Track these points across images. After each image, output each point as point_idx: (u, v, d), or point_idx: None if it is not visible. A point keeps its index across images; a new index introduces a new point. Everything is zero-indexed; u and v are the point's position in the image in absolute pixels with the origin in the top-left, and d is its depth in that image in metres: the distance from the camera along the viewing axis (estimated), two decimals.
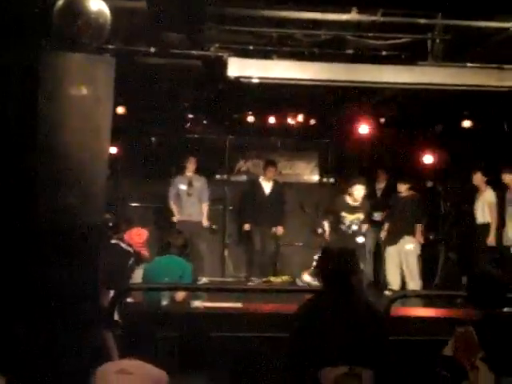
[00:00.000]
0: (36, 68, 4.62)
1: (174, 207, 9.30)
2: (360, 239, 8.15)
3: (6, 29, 4.58)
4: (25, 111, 4.67)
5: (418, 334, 5.83)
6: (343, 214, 8.13)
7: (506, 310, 3.59)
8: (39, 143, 4.68)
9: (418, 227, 9.04)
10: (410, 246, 8.95)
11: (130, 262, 5.77)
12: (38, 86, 4.62)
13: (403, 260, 8.89)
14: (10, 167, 4.66)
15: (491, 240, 8.02)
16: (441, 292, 8.27)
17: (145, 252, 6.05)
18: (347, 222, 8.11)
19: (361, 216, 8.19)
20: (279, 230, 9.44)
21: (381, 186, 9.85)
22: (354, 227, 8.13)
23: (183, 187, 9.30)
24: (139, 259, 6.84)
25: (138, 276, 6.79)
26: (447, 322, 5.55)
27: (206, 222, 9.39)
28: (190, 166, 9.31)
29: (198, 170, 9.45)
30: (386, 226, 9.21)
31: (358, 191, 8.17)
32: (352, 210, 8.15)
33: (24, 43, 4.65)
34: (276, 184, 9.62)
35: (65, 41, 4.69)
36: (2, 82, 4.57)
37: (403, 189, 9.11)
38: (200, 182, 9.39)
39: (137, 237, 6.03)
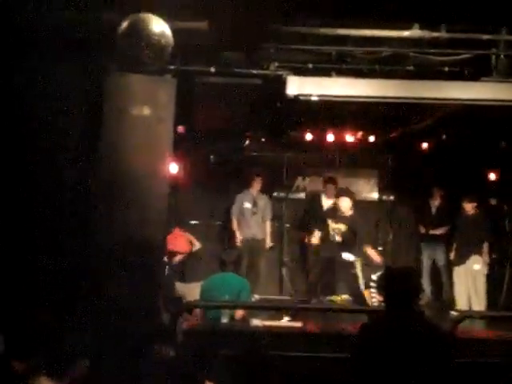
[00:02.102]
0: (101, 89, 4.73)
1: (235, 224, 9.33)
2: (346, 256, 8.11)
3: (73, 51, 4.72)
4: (89, 131, 4.80)
5: (484, 356, 5.63)
6: (329, 221, 8.26)
7: None
8: (102, 161, 4.79)
9: (485, 246, 8.87)
10: (477, 266, 8.77)
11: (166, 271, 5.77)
12: (102, 106, 4.74)
13: (471, 280, 8.70)
14: (74, 185, 4.78)
15: None
16: (507, 313, 7.96)
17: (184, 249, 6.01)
18: (331, 231, 8.22)
19: (342, 227, 8.19)
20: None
21: (435, 202, 9.65)
22: (337, 238, 8.16)
23: (248, 205, 9.33)
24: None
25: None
26: None
27: (269, 242, 9.43)
28: (256, 185, 9.34)
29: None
30: (454, 245, 9.04)
31: (345, 203, 8.22)
32: (335, 219, 8.24)
33: (90, 65, 4.79)
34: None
35: (128, 62, 4.80)
36: (69, 102, 4.71)
37: (469, 207, 8.95)
38: (264, 201, 9.42)
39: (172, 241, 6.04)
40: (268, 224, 9.44)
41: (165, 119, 4.99)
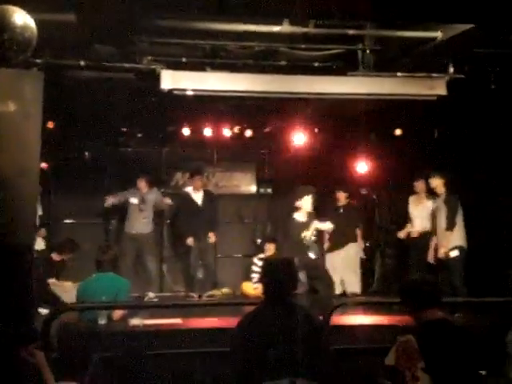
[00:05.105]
0: None
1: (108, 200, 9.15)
2: (312, 255, 7.51)
3: None
4: None
5: (360, 343, 5.86)
6: (303, 235, 7.32)
7: (443, 316, 3.62)
8: None
9: (358, 233, 9.36)
10: (353, 251, 9.20)
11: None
12: None
13: (347, 265, 9.07)
14: None
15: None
16: (381, 299, 8.33)
17: None
18: (309, 240, 7.41)
19: (317, 224, 7.53)
20: (211, 237, 9.32)
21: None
22: (314, 238, 7.56)
23: (134, 201, 9.15)
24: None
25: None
26: (389, 329, 5.59)
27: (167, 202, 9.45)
28: (141, 185, 9.18)
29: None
30: (327, 235, 9.33)
31: (307, 203, 7.45)
32: (305, 226, 7.41)
33: None
34: (206, 193, 9.56)
35: None
36: None
37: (342, 198, 9.30)
38: (153, 195, 9.29)
39: None
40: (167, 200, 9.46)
41: (32, 115, 4.76)
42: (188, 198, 9.46)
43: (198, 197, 9.44)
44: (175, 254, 10.22)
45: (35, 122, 4.79)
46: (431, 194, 8.11)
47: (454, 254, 7.43)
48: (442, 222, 7.60)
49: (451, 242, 7.45)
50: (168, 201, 9.47)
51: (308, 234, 7.38)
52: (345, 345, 5.50)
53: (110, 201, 9.07)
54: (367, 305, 7.94)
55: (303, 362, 3.54)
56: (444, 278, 7.33)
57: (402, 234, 8.43)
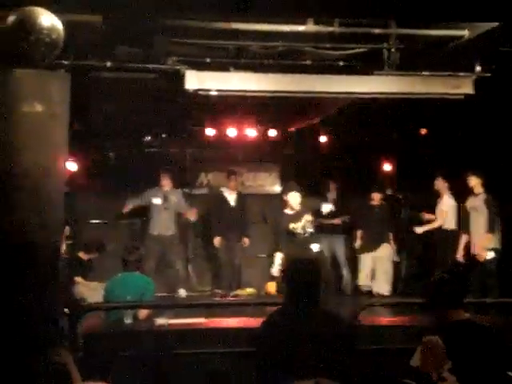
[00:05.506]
0: None
1: (127, 207, 9.19)
2: (314, 246, 7.98)
3: None
4: None
5: (385, 343, 5.81)
6: (291, 226, 8.00)
7: (469, 317, 3.58)
8: None
9: (391, 235, 9.32)
10: (385, 253, 9.15)
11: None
12: None
13: (379, 267, 9.00)
14: None
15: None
16: (406, 300, 8.26)
17: None
18: (300, 231, 7.97)
19: (308, 217, 8.06)
20: (246, 241, 9.38)
21: (332, 196, 9.85)
22: (309, 230, 8.00)
23: (157, 201, 9.17)
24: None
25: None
26: (414, 330, 5.54)
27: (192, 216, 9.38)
28: (165, 182, 9.20)
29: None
30: (359, 233, 9.27)
31: (294, 198, 8.10)
32: (296, 217, 8.03)
33: None
34: (239, 194, 9.60)
35: (17, 57, 4.59)
36: None
37: (377, 198, 9.26)
38: (176, 196, 9.29)
39: None
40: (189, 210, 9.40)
41: (59, 115, 4.79)
42: (220, 198, 9.51)
43: (231, 197, 9.48)
44: (201, 254, 10.25)
45: (62, 122, 4.82)
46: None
47: (491, 255, 7.39)
48: (480, 222, 7.53)
49: (489, 244, 7.40)
50: (193, 215, 9.43)
51: (299, 226, 7.81)
52: (370, 345, 5.46)
53: (128, 207, 9.12)
54: (393, 305, 7.88)
55: (328, 362, 3.52)
56: (475, 278, 7.27)
57: (419, 230, 8.39)
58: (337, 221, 9.52)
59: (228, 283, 9.27)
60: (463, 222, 7.95)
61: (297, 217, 8.01)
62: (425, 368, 3.34)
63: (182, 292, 8.84)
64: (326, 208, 9.38)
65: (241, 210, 9.50)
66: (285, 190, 8.33)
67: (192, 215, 9.37)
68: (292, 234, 7.98)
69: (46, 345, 3.97)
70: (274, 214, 9.08)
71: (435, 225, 8.29)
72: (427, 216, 8.57)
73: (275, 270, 8.19)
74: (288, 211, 8.18)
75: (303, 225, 7.93)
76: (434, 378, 3.28)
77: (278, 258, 8.12)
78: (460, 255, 7.74)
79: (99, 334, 5.58)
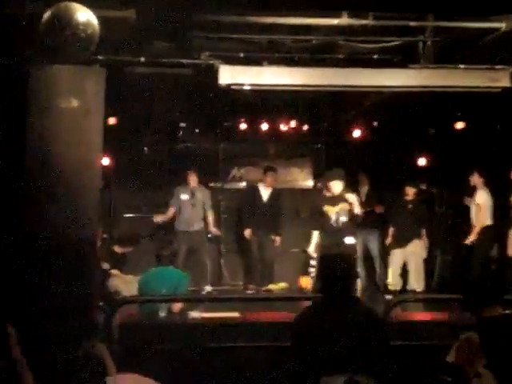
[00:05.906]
0: (25, 81, 4.56)
1: (169, 212, 9.27)
2: (348, 239, 7.68)
3: None
4: (14, 124, 4.62)
5: (420, 339, 5.76)
6: (325, 208, 7.78)
7: (504, 313, 3.54)
8: (29, 157, 4.62)
9: (423, 231, 9.13)
10: (416, 249, 8.99)
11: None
12: (26, 100, 4.57)
13: (411, 263, 8.91)
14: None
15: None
16: (441, 296, 8.17)
17: None
18: (333, 216, 7.74)
19: (346, 206, 7.75)
20: (277, 240, 9.39)
21: (364, 189, 9.78)
22: (343, 218, 7.71)
23: (185, 197, 9.25)
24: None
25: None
26: (450, 326, 5.49)
27: (215, 230, 9.43)
28: (191, 179, 9.27)
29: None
30: (391, 230, 9.21)
31: (336, 185, 7.79)
32: (333, 201, 7.78)
33: (12, 56, 4.60)
34: (274, 191, 9.59)
35: (53, 53, 4.64)
36: None
37: (411, 193, 9.16)
38: (202, 192, 9.36)
39: None
40: (210, 213, 9.38)
41: (94, 111, 4.84)
42: (254, 193, 9.52)
43: (265, 193, 9.48)
44: (233, 249, 10.28)
45: (97, 118, 4.87)
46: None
47: None
48: None
49: None
50: (217, 232, 9.52)
51: (334, 210, 7.66)
52: (405, 341, 5.43)
53: (159, 218, 9.22)
54: (427, 301, 7.81)
55: (362, 357, 3.51)
56: None
57: (468, 241, 8.28)
58: (378, 208, 9.41)
59: (260, 278, 9.28)
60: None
61: (334, 201, 7.78)
62: (461, 364, 3.31)
63: (208, 288, 8.87)
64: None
65: (273, 206, 9.49)
66: (328, 176, 8.06)
67: (216, 232, 9.51)
68: (326, 217, 7.78)
69: (81, 337, 4.02)
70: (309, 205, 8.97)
71: (477, 229, 8.19)
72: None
73: (311, 248, 8.09)
74: (327, 193, 8.05)
75: (338, 211, 7.72)
76: (469, 374, 3.25)
77: (315, 235, 8.01)
78: (511, 251, 7.67)
79: (134, 326, 5.63)
